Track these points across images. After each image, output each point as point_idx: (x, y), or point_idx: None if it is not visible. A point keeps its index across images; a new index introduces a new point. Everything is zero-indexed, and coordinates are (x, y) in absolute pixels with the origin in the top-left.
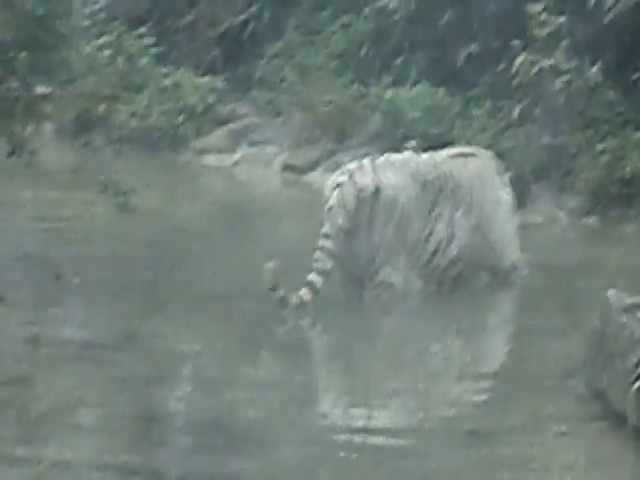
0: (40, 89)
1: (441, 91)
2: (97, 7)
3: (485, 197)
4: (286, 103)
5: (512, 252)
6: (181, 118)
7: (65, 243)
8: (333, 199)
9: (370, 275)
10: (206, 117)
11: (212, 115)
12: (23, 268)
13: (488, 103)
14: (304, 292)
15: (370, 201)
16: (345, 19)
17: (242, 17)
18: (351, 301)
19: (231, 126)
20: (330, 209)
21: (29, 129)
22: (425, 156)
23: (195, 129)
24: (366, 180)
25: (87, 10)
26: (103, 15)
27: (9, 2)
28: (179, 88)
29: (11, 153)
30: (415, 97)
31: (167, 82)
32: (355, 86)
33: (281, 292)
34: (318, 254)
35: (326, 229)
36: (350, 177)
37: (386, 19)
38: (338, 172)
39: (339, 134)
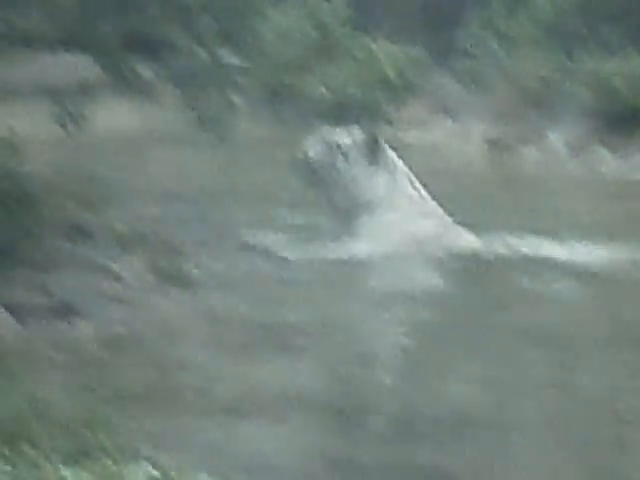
0: (229, 60)
1: None
2: None
3: None
4: (489, 75)
5: None
6: (378, 90)
7: None
8: None
9: None
10: (404, 89)
11: (411, 87)
12: None
13: None
14: None
15: None
16: None
17: None
18: None
19: (431, 98)
20: None
21: (217, 101)
22: None
23: (393, 102)
24: None
25: None
26: None
27: None
28: (376, 59)
29: (197, 125)
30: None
31: (362, 53)
32: (563, 58)
33: None
34: None
35: None
36: None
37: None
38: None
39: (547, 109)
